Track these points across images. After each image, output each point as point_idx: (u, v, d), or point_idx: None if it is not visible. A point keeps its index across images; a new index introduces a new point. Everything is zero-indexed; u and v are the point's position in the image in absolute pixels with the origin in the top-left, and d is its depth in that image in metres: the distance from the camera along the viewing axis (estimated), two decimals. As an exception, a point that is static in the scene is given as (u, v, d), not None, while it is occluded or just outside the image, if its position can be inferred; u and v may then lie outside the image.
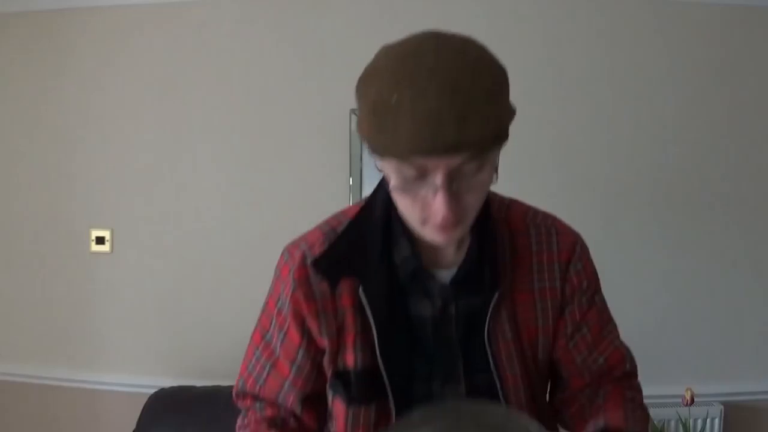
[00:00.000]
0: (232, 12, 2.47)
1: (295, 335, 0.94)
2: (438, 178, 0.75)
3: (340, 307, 0.92)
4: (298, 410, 0.97)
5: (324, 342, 0.92)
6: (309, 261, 0.93)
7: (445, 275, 0.93)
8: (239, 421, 1.02)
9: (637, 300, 2.34)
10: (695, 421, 2.24)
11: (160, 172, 2.48)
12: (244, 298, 2.45)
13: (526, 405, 0.94)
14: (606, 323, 1.00)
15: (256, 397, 1.00)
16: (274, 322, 0.96)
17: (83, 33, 2.50)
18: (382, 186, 0.92)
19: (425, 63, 0.73)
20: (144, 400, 2.25)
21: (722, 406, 2.36)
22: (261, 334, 0.99)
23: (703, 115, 2.43)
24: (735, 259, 2.44)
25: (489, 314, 0.92)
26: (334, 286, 0.92)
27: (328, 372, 0.94)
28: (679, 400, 2.14)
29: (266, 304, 1.00)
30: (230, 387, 2.36)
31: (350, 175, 2.40)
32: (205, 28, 2.47)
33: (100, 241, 2.49)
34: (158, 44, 2.48)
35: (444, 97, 0.71)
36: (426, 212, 0.80)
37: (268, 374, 0.98)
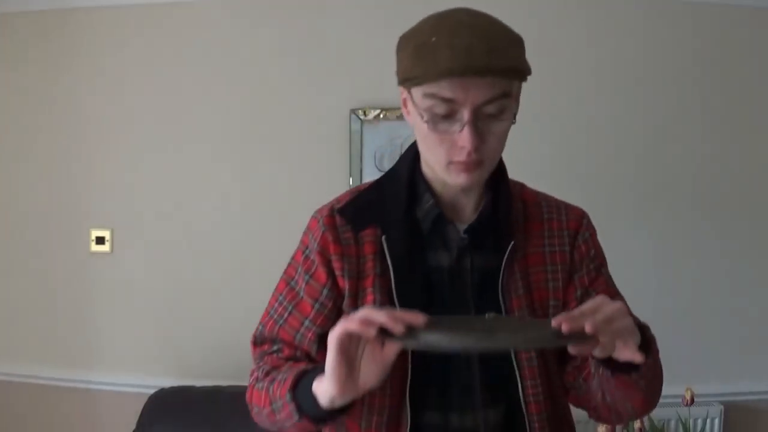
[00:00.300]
0: (231, 12, 2.46)
1: (321, 274, 0.99)
2: (465, 114, 0.87)
3: (362, 254, 0.98)
4: (313, 350, 0.99)
5: (345, 283, 0.98)
6: (336, 210, 1.02)
7: (463, 228, 0.99)
8: (253, 371, 1.03)
9: (637, 300, 2.32)
10: (695, 421, 2.24)
11: (160, 172, 2.48)
12: (244, 297, 2.45)
13: (536, 361, 0.97)
14: (614, 295, 1.03)
15: (274, 341, 1.03)
16: (300, 269, 1.02)
17: (83, 33, 2.50)
18: (407, 153, 1.04)
19: (459, 18, 0.90)
20: (144, 400, 2.25)
21: (722, 406, 2.36)
22: (286, 282, 1.05)
23: (704, 115, 2.44)
24: (735, 259, 2.44)
25: (503, 267, 0.97)
26: (358, 233, 0.99)
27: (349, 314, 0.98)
28: (679, 400, 2.14)
29: (293, 258, 1.07)
30: (230, 387, 2.39)
31: (350, 175, 2.40)
32: (205, 28, 2.47)
33: (100, 241, 2.49)
34: (158, 44, 2.48)
35: (475, 38, 0.85)
36: (452, 151, 0.90)
37: (289, 314, 1.01)
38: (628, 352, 0.81)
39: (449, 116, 0.88)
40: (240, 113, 2.46)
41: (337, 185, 2.45)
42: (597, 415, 1.05)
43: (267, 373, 0.98)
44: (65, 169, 2.52)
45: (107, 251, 2.49)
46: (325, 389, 0.83)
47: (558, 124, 2.39)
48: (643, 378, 0.89)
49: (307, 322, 0.99)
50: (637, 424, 2.05)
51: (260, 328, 1.05)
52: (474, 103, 0.87)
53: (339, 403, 0.83)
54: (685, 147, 2.43)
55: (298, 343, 1.00)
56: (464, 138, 0.88)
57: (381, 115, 2.39)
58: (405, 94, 0.95)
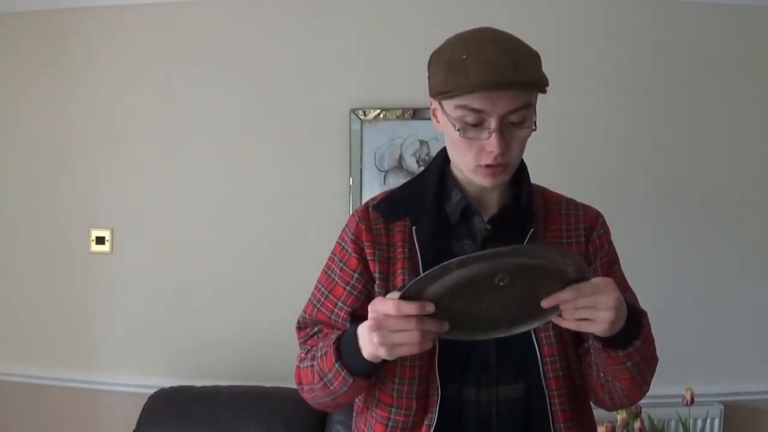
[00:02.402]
0: (231, 12, 2.47)
1: (353, 260, 1.10)
2: (493, 123, 0.98)
3: (392, 242, 1.09)
4: (347, 326, 1.07)
5: (375, 267, 1.08)
6: (371, 206, 1.13)
7: (487, 218, 1.09)
8: (299, 354, 1.13)
9: (638, 300, 2.33)
10: (695, 421, 2.24)
11: (160, 172, 2.48)
12: (244, 297, 2.46)
13: (554, 339, 1.03)
14: (625, 290, 1.08)
15: (314, 323, 1.14)
16: (336, 258, 1.14)
17: (82, 33, 2.50)
18: (437, 157, 1.15)
19: (485, 36, 1.02)
20: (144, 400, 2.25)
21: (722, 406, 2.36)
22: (325, 272, 1.16)
23: (705, 116, 2.44)
24: (735, 259, 2.44)
25: None
26: (389, 224, 1.10)
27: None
28: (679, 400, 2.14)
29: (332, 251, 1.17)
30: (230, 387, 2.39)
31: (350, 175, 2.40)
32: (205, 28, 2.47)
33: (100, 241, 2.49)
34: (158, 44, 2.48)
35: (501, 54, 0.97)
36: (480, 156, 1.01)
37: (325, 298, 1.13)
38: (595, 326, 0.90)
39: (478, 125, 1.00)
40: (240, 113, 2.46)
41: (337, 185, 2.47)
42: (595, 397, 1.11)
43: (308, 352, 1.09)
44: (65, 169, 2.52)
45: (107, 251, 2.50)
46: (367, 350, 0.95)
47: (563, 125, 2.38)
48: (630, 359, 0.96)
49: (339, 303, 1.10)
50: (637, 424, 2.05)
51: (303, 313, 1.17)
52: (500, 113, 0.98)
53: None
54: (688, 147, 2.43)
55: (333, 322, 1.11)
56: (492, 144, 0.99)
57: (381, 115, 2.39)
58: (435, 105, 1.07)
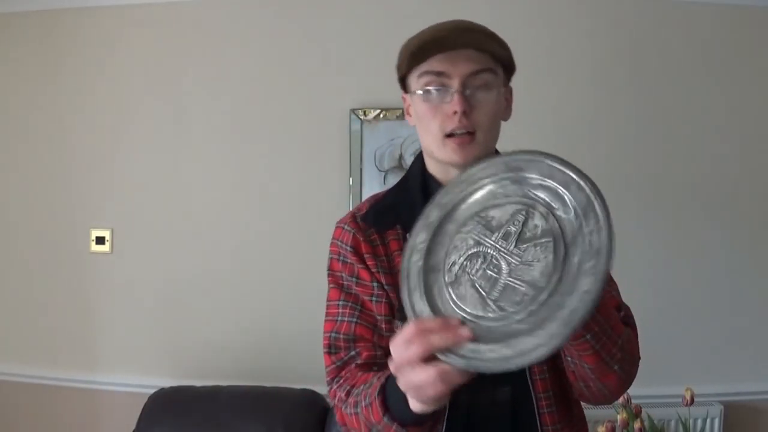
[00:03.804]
0: (231, 12, 2.47)
1: (364, 273, 1.07)
2: (455, 84, 1.00)
3: (389, 252, 1.08)
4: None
5: (382, 279, 1.06)
6: (359, 217, 1.11)
7: None
8: (334, 391, 1.04)
9: (637, 300, 2.33)
10: (695, 421, 2.24)
11: (160, 172, 2.48)
12: (244, 297, 2.46)
13: None
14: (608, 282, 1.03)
15: (350, 344, 1.05)
16: (343, 275, 1.09)
17: (82, 32, 2.50)
18: (415, 160, 1.15)
19: (446, 21, 1.05)
20: (144, 400, 2.25)
21: (722, 406, 2.36)
22: (337, 290, 1.10)
23: (702, 114, 2.44)
24: (735, 259, 2.44)
25: None
26: (382, 233, 1.08)
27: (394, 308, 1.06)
28: (679, 400, 2.14)
29: (330, 270, 1.12)
30: (230, 387, 2.38)
31: (350, 175, 2.40)
32: (204, 28, 2.47)
33: (100, 241, 2.49)
34: (157, 44, 2.48)
35: (456, 25, 1.03)
36: (446, 122, 1.02)
37: (360, 312, 1.07)
38: None
39: (441, 89, 1.01)
40: (240, 113, 2.46)
41: (337, 185, 2.47)
42: (577, 391, 1.04)
43: (348, 394, 1.00)
44: (65, 168, 2.52)
45: (107, 251, 2.50)
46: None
47: (559, 124, 2.39)
48: (588, 330, 0.88)
49: (377, 317, 1.06)
50: (637, 424, 2.05)
51: (332, 334, 1.07)
52: (461, 74, 1.00)
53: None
54: (686, 148, 2.43)
55: (377, 338, 1.04)
56: (455, 103, 1.00)
57: (381, 115, 2.40)
58: (407, 100, 1.09)
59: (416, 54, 1.02)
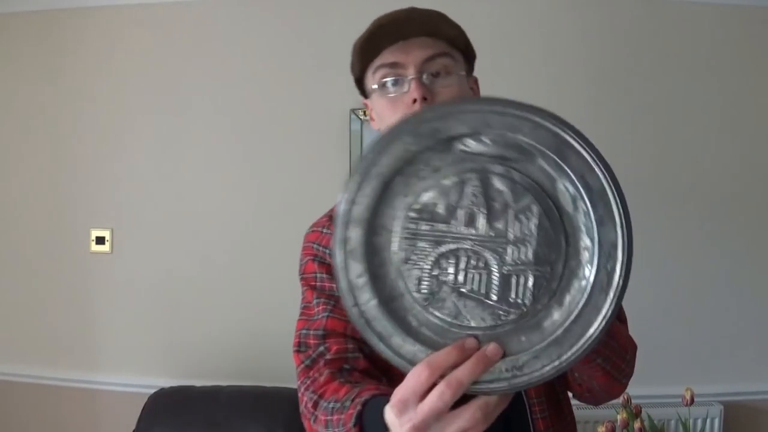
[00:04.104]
0: (231, 12, 2.47)
1: None
2: (410, 72, 0.95)
3: None
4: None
5: None
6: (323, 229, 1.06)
7: None
8: (302, 395, 0.94)
9: (637, 300, 2.33)
10: (695, 421, 2.24)
11: (160, 172, 2.48)
12: (244, 297, 2.46)
13: None
14: None
15: (321, 337, 0.97)
16: (317, 274, 1.03)
17: (82, 33, 2.50)
18: None
19: (393, 11, 1.01)
20: (144, 400, 2.25)
21: (722, 406, 2.36)
22: (311, 290, 1.03)
23: (701, 114, 2.44)
24: (735, 259, 2.44)
25: None
26: None
27: None
28: (679, 400, 2.14)
29: (303, 272, 1.05)
30: (230, 387, 2.38)
31: (350, 175, 2.40)
32: (205, 28, 2.48)
33: (100, 241, 2.49)
34: (157, 44, 2.48)
35: (404, 13, 0.99)
36: (407, 113, 0.95)
37: (333, 306, 0.98)
38: None
39: (398, 81, 0.97)
40: (240, 113, 2.46)
41: (337, 185, 2.46)
42: (576, 394, 1.05)
43: (315, 405, 0.90)
44: (65, 169, 2.52)
45: (107, 251, 2.50)
46: None
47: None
48: (599, 355, 0.86)
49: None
50: (637, 424, 2.04)
51: (302, 331, 1.00)
52: (416, 62, 0.96)
53: None
54: (686, 148, 2.43)
55: (350, 330, 0.95)
56: (412, 91, 0.95)
57: (381, 115, 2.39)
58: (369, 105, 1.06)
59: (366, 49, 0.99)
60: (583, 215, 0.63)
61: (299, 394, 0.96)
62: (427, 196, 0.64)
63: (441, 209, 0.64)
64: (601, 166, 0.62)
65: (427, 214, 0.64)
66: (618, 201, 0.63)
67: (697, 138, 2.43)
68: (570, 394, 1.09)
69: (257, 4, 2.46)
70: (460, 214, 0.64)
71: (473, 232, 0.64)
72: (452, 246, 0.64)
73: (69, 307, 2.51)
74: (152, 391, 2.28)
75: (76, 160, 2.51)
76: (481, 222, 0.63)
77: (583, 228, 0.64)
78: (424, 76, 0.96)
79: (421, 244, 0.64)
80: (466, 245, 0.63)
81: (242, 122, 2.46)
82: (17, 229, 2.56)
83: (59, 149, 2.52)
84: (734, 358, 2.44)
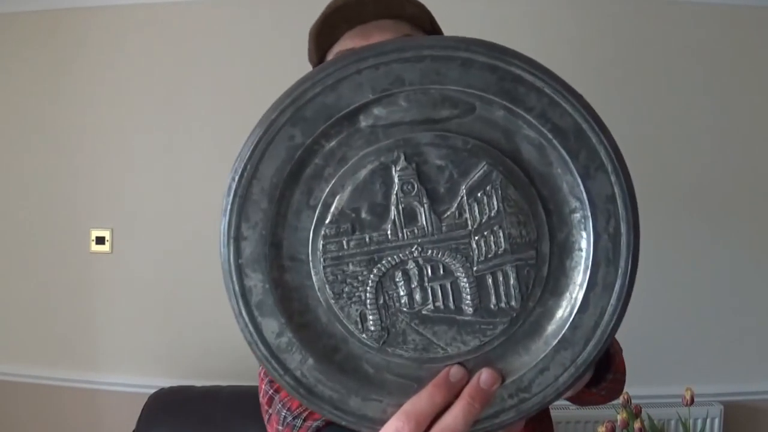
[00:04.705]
0: (231, 13, 2.47)
1: None
2: None
3: None
4: None
5: None
6: None
7: None
8: (261, 383, 0.86)
9: (637, 300, 2.33)
10: (695, 421, 2.24)
11: (160, 172, 2.48)
12: (244, 298, 2.46)
13: None
14: None
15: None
16: None
17: (83, 33, 2.50)
18: None
19: None
20: (144, 400, 2.25)
21: (722, 406, 2.36)
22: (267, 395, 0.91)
23: (701, 115, 2.44)
24: (735, 259, 2.44)
25: None
26: None
27: None
28: (679, 400, 2.14)
29: None
30: (230, 387, 2.38)
31: (350, 175, 2.40)
32: (205, 28, 2.47)
33: (100, 241, 2.49)
34: (158, 45, 2.48)
35: None
36: None
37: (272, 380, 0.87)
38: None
39: None
40: (240, 113, 2.46)
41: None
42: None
43: (270, 401, 0.84)
44: (65, 169, 2.52)
45: (107, 251, 2.50)
46: None
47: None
48: (604, 389, 0.84)
49: None
50: (637, 424, 2.04)
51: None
52: None
53: None
54: (687, 147, 2.43)
55: None
56: None
57: (381, 115, 2.39)
58: None
59: (323, 34, 0.89)
60: (561, 169, 0.47)
61: (259, 384, 0.88)
62: (341, 201, 0.47)
63: (365, 213, 0.46)
64: (568, 96, 0.45)
65: (347, 224, 0.46)
66: (603, 139, 0.48)
67: (698, 137, 2.43)
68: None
69: (259, 5, 2.46)
70: (393, 213, 0.46)
71: (418, 232, 0.46)
72: (394, 259, 0.47)
73: (69, 307, 2.51)
74: (152, 391, 2.28)
75: (76, 160, 2.51)
76: (425, 216, 0.46)
77: (564, 186, 0.48)
78: None
79: (352, 267, 0.47)
80: (414, 253, 0.46)
81: (243, 122, 2.45)
82: (17, 229, 2.55)
83: (59, 149, 2.52)
84: (734, 358, 2.44)
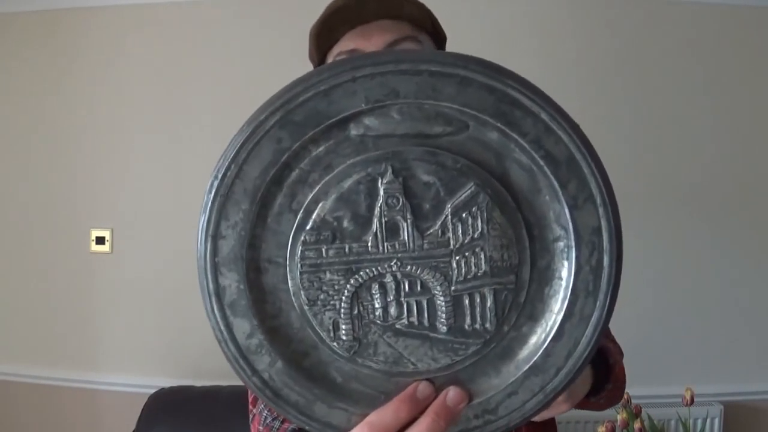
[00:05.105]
0: (231, 13, 2.47)
1: None
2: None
3: None
4: None
5: None
6: None
7: None
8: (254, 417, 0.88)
9: (637, 300, 2.33)
10: (695, 421, 2.24)
11: (160, 173, 2.48)
12: (244, 298, 2.46)
13: None
14: None
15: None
16: None
17: (83, 33, 2.50)
18: None
19: None
20: (144, 400, 2.25)
21: (722, 406, 2.36)
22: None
23: (701, 115, 2.44)
24: (735, 259, 2.44)
25: None
26: None
27: None
28: (679, 400, 2.14)
29: None
30: (230, 387, 2.38)
31: (350, 175, 2.40)
32: (205, 28, 2.47)
33: (100, 241, 2.49)
34: (158, 45, 2.48)
35: None
36: None
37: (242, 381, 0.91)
38: (564, 407, 0.73)
39: None
40: (240, 113, 2.45)
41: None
42: None
43: (255, 401, 0.88)
44: (65, 169, 2.52)
45: (107, 251, 2.49)
46: None
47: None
48: (604, 397, 0.83)
49: None
50: (637, 424, 2.04)
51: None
52: (377, 47, 0.86)
53: None
54: (687, 148, 2.43)
55: None
56: None
57: (381, 115, 2.39)
58: None
59: (323, 35, 0.90)
60: (549, 196, 0.47)
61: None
62: (323, 208, 0.46)
63: (347, 223, 0.46)
64: (564, 124, 0.45)
65: (328, 232, 0.46)
66: (595, 171, 0.47)
67: (698, 138, 2.43)
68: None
69: (259, 5, 2.46)
70: (376, 225, 0.46)
71: (399, 247, 0.46)
72: (372, 271, 0.46)
73: (69, 307, 2.51)
74: (152, 391, 2.28)
75: (76, 160, 2.51)
76: (408, 232, 0.46)
77: (550, 214, 0.47)
78: None
79: (329, 276, 0.46)
80: (393, 267, 0.46)
81: (242, 122, 2.46)
82: (17, 229, 2.55)
83: (60, 149, 2.52)
84: (734, 358, 2.44)
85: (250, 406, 0.87)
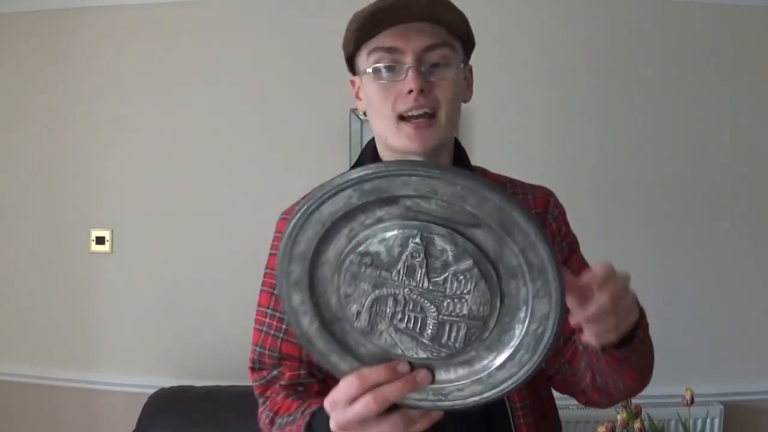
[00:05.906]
0: (231, 12, 2.47)
1: None
2: (408, 60, 0.90)
3: None
4: None
5: None
6: None
7: None
8: (260, 413, 0.98)
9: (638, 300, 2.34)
10: (695, 421, 2.24)
11: (159, 173, 2.48)
12: (244, 297, 2.45)
13: None
14: None
15: (275, 360, 0.98)
16: None
17: (82, 33, 2.50)
18: (366, 147, 1.05)
19: None
20: (144, 400, 2.25)
21: (722, 406, 2.36)
22: (269, 293, 1.02)
23: (702, 115, 2.44)
24: (735, 259, 2.44)
25: None
26: None
27: None
28: (679, 400, 2.14)
29: (267, 268, 1.05)
30: (230, 387, 2.38)
31: (350, 175, 2.40)
32: (205, 28, 2.47)
33: (100, 241, 2.49)
34: (157, 44, 2.48)
35: None
36: (399, 103, 0.92)
37: (287, 325, 0.96)
38: (613, 335, 0.74)
39: (394, 67, 0.92)
40: (240, 113, 2.46)
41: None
42: (586, 399, 0.99)
43: (272, 422, 0.93)
44: (65, 169, 2.52)
45: (107, 251, 2.49)
46: None
47: (559, 123, 2.39)
48: (636, 351, 0.79)
49: None
50: (637, 424, 2.05)
51: (257, 349, 1.00)
52: (415, 49, 0.90)
53: None
54: (688, 148, 2.43)
55: (305, 354, 0.94)
56: (409, 80, 0.90)
57: (381, 115, 2.39)
58: (357, 83, 1.00)
59: (364, 29, 0.93)
60: (522, 285, 0.65)
61: (258, 411, 0.99)
62: (369, 244, 0.67)
63: (383, 257, 0.67)
64: (544, 244, 0.62)
65: (369, 258, 0.67)
66: (556, 279, 0.63)
67: (700, 139, 2.43)
68: (554, 392, 1.05)
69: (257, 5, 2.46)
70: (401, 265, 0.67)
71: (413, 283, 0.67)
72: (391, 291, 0.68)
73: (69, 307, 2.51)
74: (152, 391, 2.28)
75: (76, 160, 2.51)
76: (420, 275, 0.67)
77: (520, 293, 0.66)
78: (423, 66, 0.91)
79: (362, 284, 0.68)
80: (405, 292, 0.67)
81: (242, 123, 2.46)
82: (17, 229, 2.55)
83: (59, 149, 2.52)
84: (734, 358, 2.44)
85: (267, 424, 0.95)
